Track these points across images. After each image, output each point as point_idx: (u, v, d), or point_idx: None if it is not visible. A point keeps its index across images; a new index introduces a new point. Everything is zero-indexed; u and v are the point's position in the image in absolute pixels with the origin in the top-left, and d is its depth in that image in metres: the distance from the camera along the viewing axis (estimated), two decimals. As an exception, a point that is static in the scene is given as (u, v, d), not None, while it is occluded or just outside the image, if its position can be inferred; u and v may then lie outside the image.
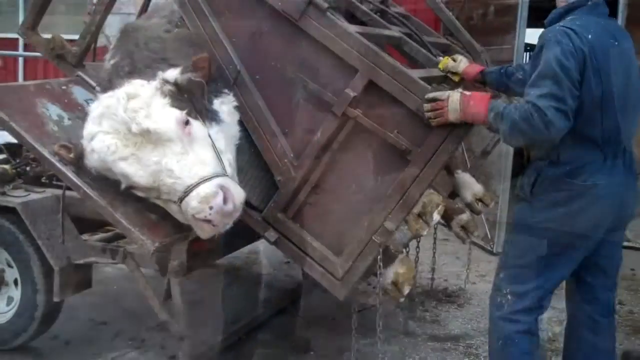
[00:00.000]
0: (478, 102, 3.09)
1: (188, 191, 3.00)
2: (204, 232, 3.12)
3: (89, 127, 3.14)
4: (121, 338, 4.64)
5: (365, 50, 3.33)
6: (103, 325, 4.85)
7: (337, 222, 3.55)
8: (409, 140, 3.35)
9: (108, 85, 3.36)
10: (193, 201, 2.99)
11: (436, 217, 3.48)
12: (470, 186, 4.93)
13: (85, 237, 3.94)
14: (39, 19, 4.05)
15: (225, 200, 2.99)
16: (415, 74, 3.45)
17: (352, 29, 3.50)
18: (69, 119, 3.58)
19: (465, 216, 4.84)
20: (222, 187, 3.01)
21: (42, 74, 11.25)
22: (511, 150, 6.85)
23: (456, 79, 3.82)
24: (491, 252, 6.89)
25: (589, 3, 3.12)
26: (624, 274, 5.24)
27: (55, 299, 3.95)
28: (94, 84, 3.82)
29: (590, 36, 2.94)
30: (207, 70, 3.21)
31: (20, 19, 11.23)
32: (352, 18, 4.13)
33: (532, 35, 17.11)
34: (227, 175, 3.13)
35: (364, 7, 4.15)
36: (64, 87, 3.70)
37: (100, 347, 4.48)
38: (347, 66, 3.38)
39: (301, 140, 3.54)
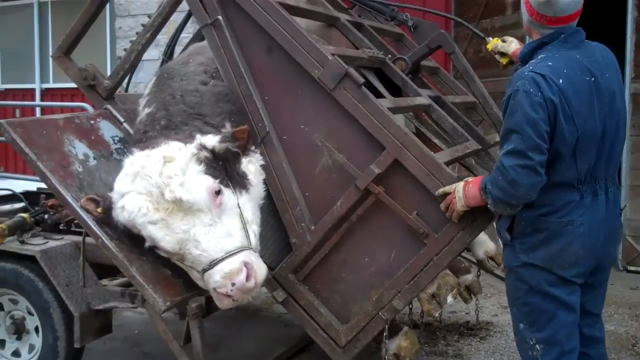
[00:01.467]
0: (473, 185, 3.11)
1: (213, 265, 3.07)
2: (223, 304, 3.21)
3: (122, 184, 3.17)
4: None
5: (395, 131, 3.38)
6: None
7: (346, 291, 3.63)
8: (428, 224, 3.41)
9: (142, 137, 3.42)
10: (216, 275, 3.07)
11: (450, 299, 3.56)
12: (484, 243, 4.98)
13: (104, 282, 3.99)
14: (75, 45, 4.11)
15: (248, 278, 3.08)
16: (442, 157, 3.46)
17: (385, 104, 3.51)
18: (94, 157, 3.64)
19: (470, 277, 4.90)
20: (246, 264, 3.09)
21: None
22: None
23: (504, 61, 3.80)
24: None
25: (562, 36, 2.98)
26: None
27: (76, 346, 4.03)
28: (122, 119, 3.89)
29: (561, 81, 2.85)
30: (245, 142, 3.27)
31: (37, 69, 11.86)
32: (385, 80, 4.13)
33: None
34: (252, 248, 3.19)
35: (398, 71, 4.14)
36: (92, 122, 3.75)
37: None
38: (375, 142, 3.44)
39: (320, 206, 3.60)
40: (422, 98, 4.14)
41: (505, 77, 7.25)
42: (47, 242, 4.10)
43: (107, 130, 3.82)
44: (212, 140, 3.22)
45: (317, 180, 3.60)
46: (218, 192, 3.14)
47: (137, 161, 3.18)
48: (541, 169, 2.85)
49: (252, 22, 3.62)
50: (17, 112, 11.77)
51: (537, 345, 3.09)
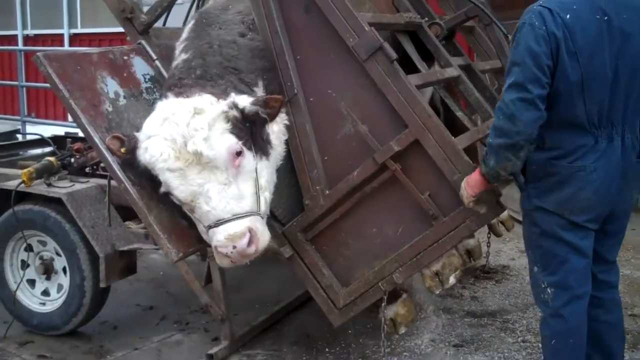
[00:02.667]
0: (473, 173, 3.27)
1: (219, 224, 3.17)
2: (221, 263, 3.35)
3: (151, 125, 3.24)
4: (166, 321, 4.99)
5: (419, 111, 3.47)
6: (149, 310, 5.22)
7: (350, 256, 3.80)
8: (438, 206, 3.55)
9: (177, 82, 3.44)
10: (220, 235, 3.17)
11: (452, 280, 3.71)
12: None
13: (129, 224, 4.15)
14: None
15: (249, 243, 3.19)
16: (462, 142, 3.61)
17: (414, 81, 3.57)
18: (124, 97, 3.71)
19: (472, 241, 5.07)
20: (250, 230, 3.19)
21: None
22: None
23: None
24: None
25: None
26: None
27: (102, 285, 4.30)
28: (154, 56, 3.97)
29: (568, 16, 2.87)
30: (276, 111, 3.33)
31: (65, 14, 11.99)
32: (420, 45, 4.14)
33: None
34: (260, 215, 3.31)
35: (432, 36, 4.16)
36: (125, 58, 3.82)
37: (147, 330, 4.84)
38: (399, 119, 3.53)
39: (337, 172, 3.72)
40: (452, 69, 4.20)
41: None
42: (73, 185, 4.27)
43: (140, 67, 3.89)
44: (244, 100, 3.27)
45: (337, 145, 3.69)
46: (239, 153, 3.22)
47: (169, 106, 3.25)
48: (541, 103, 2.88)
49: None
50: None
51: (548, 289, 3.20)
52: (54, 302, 4.62)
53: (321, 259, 3.84)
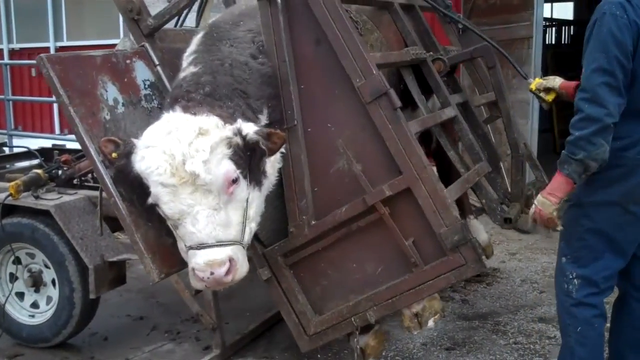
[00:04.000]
0: (552, 181, 3.35)
1: (201, 247, 3.23)
2: (194, 284, 3.42)
3: (152, 135, 3.27)
4: (157, 331, 5.14)
5: (415, 161, 3.61)
6: (140, 320, 5.36)
7: (327, 287, 3.98)
8: (421, 254, 3.72)
9: (184, 95, 3.49)
10: (199, 259, 3.23)
11: (431, 324, 3.85)
12: (478, 233, 5.34)
13: (118, 235, 4.22)
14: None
15: (227, 273, 3.26)
16: (452, 193, 3.81)
17: (413, 128, 3.67)
18: (122, 104, 3.76)
19: (484, 238, 5.31)
20: (230, 259, 3.26)
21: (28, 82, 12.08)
22: (536, 126, 7.51)
23: (550, 97, 3.91)
24: (521, 231, 7.33)
25: None
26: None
27: (92, 296, 4.39)
28: (156, 61, 4.02)
29: None
30: (277, 147, 3.41)
31: (50, 28, 12.34)
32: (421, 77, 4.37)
33: (549, 11, 16.88)
34: (242, 245, 3.38)
35: (435, 73, 4.34)
36: (127, 62, 3.87)
37: (138, 341, 4.98)
38: (394, 164, 3.67)
39: (325, 205, 3.86)
40: (450, 109, 4.35)
41: (514, 23, 7.53)
42: (61, 197, 4.36)
43: (141, 72, 3.95)
44: (249, 128, 3.32)
45: (329, 179, 3.83)
46: (234, 181, 3.27)
47: (174, 120, 3.29)
48: (624, 89, 3.09)
49: (308, 9, 3.71)
50: (32, 70, 12.23)
51: (575, 280, 3.42)
52: (44, 314, 4.74)
53: (298, 285, 4.00)
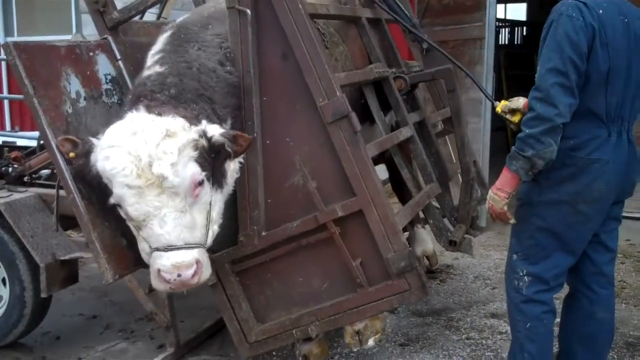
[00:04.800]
0: (500, 177, 3.47)
1: (168, 249, 3.27)
2: (158, 287, 3.47)
3: (116, 135, 3.25)
4: (111, 330, 5.18)
5: (370, 184, 3.74)
6: (93, 319, 5.39)
7: (272, 297, 4.11)
8: (367, 276, 3.87)
9: (148, 94, 3.50)
10: (167, 261, 3.27)
11: (371, 343, 4.00)
12: (424, 243, 5.64)
13: (70, 233, 4.21)
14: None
15: (193, 275, 3.32)
16: (403, 218, 4.00)
17: (370, 152, 3.79)
18: (84, 98, 3.79)
19: (430, 248, 5.72)
20: (197, 262, 3.33)
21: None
22: (489, 125, 7.67)
23: (516, 118, 3.89)
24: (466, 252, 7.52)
25: None
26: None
27: (43, 295, 4.39)
28: (118, 55, 4.03)
29: (601, 11, 3.23)
30: (242, 150, 3.46)
31: (0, 23, 11.87)
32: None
33: (502, 11, 17.46)
34: (205, 247, 3.45)
35: (395, 91, 4.53)
36: (90, 54, 3.90)
37: (91, 340, 5.00)
38: (348, 186, 3.79)
39: (277, 217, 3.96)
40: (407, 129, 4.49)
41: (467, 24, 7.73)
42: (10, 194, 4.38)
43: (103, 65, 3.99)
44: (214, 130, 3.35)
45: (283, 192, 3.93)
46: (200, 183, 3.32)
47: (139, 121, 3.29)
48: (577, 90, 3.22)
49: (277, 22, 3.78)
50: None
51: (525, 277, 3.57)
52: None
53: (243, 292, 4.12)
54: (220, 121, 3.62)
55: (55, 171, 3.95)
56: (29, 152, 5.16)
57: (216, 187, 3.48)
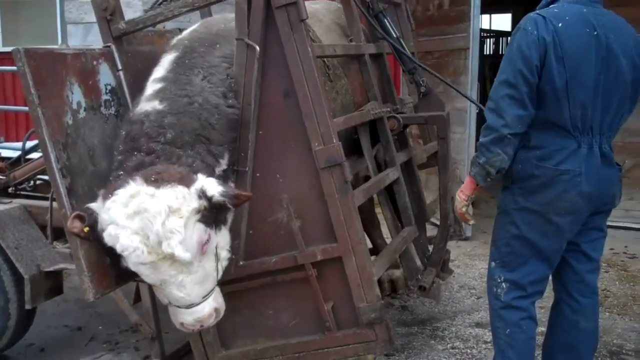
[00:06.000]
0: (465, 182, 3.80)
1: (189, 307, 3.50)
2: (179, 327, 3.68)
3: (119, 215, 3.30)
4: (96, 342, 5.32)
5: (353, 234, 3.95)
6: (77, 331, 5.53)
7: (239, 325, 4.30)
8: (336, 320, 4.09)
9: (144, 142, 3.58)
10: (189, 317, 3.54)
11: None
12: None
13: (55, 244, 4.33)
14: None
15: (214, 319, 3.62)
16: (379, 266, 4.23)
17: (359, 198, 4.06)
18: (84, 109, 3.82)
19: (398, 272, 5.83)
20: (216, 310, 3.61)
21: (11, 89, 12.01)
22: (473, 134, 7.82)
23: None
24: (460, 237, 7.78)
25: None
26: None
27: (28, 307, 4.49)
28: (119, 66, 4.09)
29: (560, 24, 3.39)
30: (241, 203, 3.59)
31: None
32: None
33: (487, 22, 17.94)
34: (217, 284, 3.67)
35: (387, 131, 4.72)
36: (94, 63, 3.97)
37: (76, 351, 5.14)
38: (331, 232, 3.98)
39: (257, 249, 4.13)
40: (394, 171, 4.68)
41: (452, 34, 7.93)
42: None
43: (105, 75, 4.07)
44: (213, 188, 3.42)
45: (265, 226, 4.11)
46: (207, 241, 3.46)
47: (139, 198, 3.31)
48: (528, 101, 3.41)
49: (284, 61, 3.90)
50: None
51: (503, 284, 3.76)
52: None
53: (211, 316, 4.19)
54: (217, 158, 3.75)
55: (39, 182, 4.02)
56: (12, 162, 5.24)
57: (219, 227, 3.61)
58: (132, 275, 3.79)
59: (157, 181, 3.35)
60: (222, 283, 4.08)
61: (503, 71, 3.44)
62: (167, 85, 3.82)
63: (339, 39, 5.01)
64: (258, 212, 4.04)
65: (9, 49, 11.94)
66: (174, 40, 4.24)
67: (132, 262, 3.34)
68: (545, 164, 3.48)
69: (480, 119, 4.01)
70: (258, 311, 4.18)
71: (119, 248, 3.31)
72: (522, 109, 3.39)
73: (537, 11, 3.50)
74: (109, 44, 4.11)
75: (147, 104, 3.76)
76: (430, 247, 5.21)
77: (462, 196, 3.77)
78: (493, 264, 3.84)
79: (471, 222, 3.92)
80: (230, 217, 3.76)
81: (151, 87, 3.87)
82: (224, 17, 4.43)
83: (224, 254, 3.70)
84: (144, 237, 3.26)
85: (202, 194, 3.38)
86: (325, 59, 4.46)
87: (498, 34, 17.15)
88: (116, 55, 4.11)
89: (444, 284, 6.38)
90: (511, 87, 3.38)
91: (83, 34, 10.29)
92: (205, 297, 3.54)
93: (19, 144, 5.49)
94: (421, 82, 5.08)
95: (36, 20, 12.00)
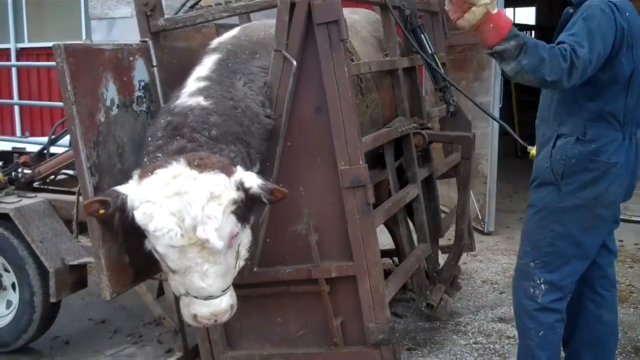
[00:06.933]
0: (502, 21, 3.27)
1: (208, 298, 3.46)
2: (191, 323, 3.69)
3: (156, 191, 3.29)
4: (119, 335, 5.47)
5: (370, 255, 4.05)
6: (101, 324, 5.69)
7: (247, 327, 4.41)
8: (344, 336, 4.20)
9: (187, 132, 3.59)
10: (205, 309, 3.48)
11: None
12: None
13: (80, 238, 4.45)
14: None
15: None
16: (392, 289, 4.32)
17: (379, 219, 4.17)
18: (117, 106, 3.85)
19: None
20: (231, 307, 3.59)
21: (36, 84, 12.23)
22: (496, 130, 8.01)
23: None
24: (482, 232, 8.08)
25: None
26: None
27: (52, 300, 4.66)
28: (154, 62, 4.15)
29: (628, 14, 3.45)
30: (277, 200, 3.55)
31: (11, 29, 12.53)
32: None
33: (511, 15, 18.07)
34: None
35: (412, 148, 4.85)
36: (131, 59, 4.05)
37: (100, 344, 5.29)
38: (349, 250, 4.13)
39: (272, 257, 4.27)
40: (415, 188, 4.78)
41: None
42: (20, 200, 4.61)
43: (139, 71, 4.15)
44: (252, 181, 3.45)
45: (283, 236, 4.27)
46: (236, 235, 3.48)
47: (181, 180, 3.32)
48: (591, 71, 3.29)
49: (319, 77, 4.01)
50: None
51: (542, 285, 3.72)
52: (3, 318, 5.00)
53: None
54: (252, 164, 3.83)
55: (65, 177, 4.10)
56: (34, 156, 5.37)
57: (245, 225, 3.59)
58: (149, 273, 3.94)
59: (200, 166, 3.36)
60: (235, 286, 4.24)
61: (579, 36, 3.26)
62: (212, 84, 3.88)
63: (375, 52, 5.14)
64: (278, 221, 4.19)
65: (34, 44, 12.75)
66: (215, 43, 4.33)
67: (162, 243, 3.30)
68: (600, 158, 3.51)
69: (503, 113, 3.95)
70: (267, 317, 4.36)
71: (151, 227, 3.28)
72: (586, 75, 3.27)
73: None
74: (146, 39, 4.20)
75: (191, 98, 3.80)
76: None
77: (491, 18, 3.25)
78: (532, 264, 3.75)
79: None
80: (253, 218, 3.78)
81: (195, 84, 3.92)
82: (265, 24, 4.54)
83: (243, 253, 3.75)
84: (179, 220, 3.24)
85: (241, 186, 3.40)
86: (360, 75, 4.55)
87: (522, 28, 17.04)
88: (152, 51, 4.20)
89: (467, 278, 6.56)
90: (588, 51, 3.21)
91: (107, 30, 10.57)
92: (224, 292, 3.52)
93: (45, 139, 5.54)
94: (451, 102, 5.14)
95: (61, 16, 12.40)
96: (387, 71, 4.93)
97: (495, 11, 3.27)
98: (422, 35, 5.04)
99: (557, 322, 3.76)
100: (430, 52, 5.06)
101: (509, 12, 16.16)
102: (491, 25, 3.25)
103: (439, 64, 5.14)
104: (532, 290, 3.75)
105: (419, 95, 5.28)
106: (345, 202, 4.01)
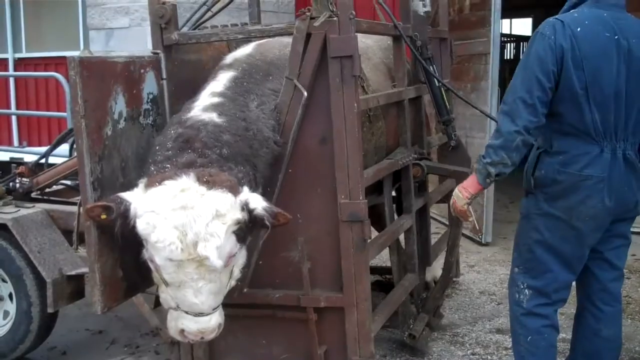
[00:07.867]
0: (469, 184, 3.79)
1: (198, 315, 3.52)
2: (175, 336, 3.71)
3: (162, 205, 3.35)
4: (116, 345, 5.54)
5: (361, 289, 4.19)
6: (98, 334, 5.76)
7: (231, 346, 4.56)
8: None
9: (199, 147, 3.63)
10: (193, 325, 3.54)
11: None
12: (433, 269, 5.92)
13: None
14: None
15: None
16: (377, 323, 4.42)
17: (373, 252, 4.33)
18: (124, 119, 3.93)
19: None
20: (219, 325, 3.64)
21: (34, 94, 12.28)
22: None
23: None
24: (480, 243, 8.23)
25: None
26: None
27: (50, 311, 4.72)
28: (164, 75, 4.21)
29: (579, 29, 3.51)
30: (279, 225, 3.59)
31: (9, 39, 12.59)
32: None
33: (508, 26, 18.42)
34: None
35: (410, 178, 4.96)
36: (142, 71, 4.12)
37: (97, 355, 5.36)
38: (340, 281, 4.25)
39: (263, 280, 4.36)
40: (409, 219, 4.85)
41: (472, 39, 8.36)
42: (18, 210, 4.67)
43: (149, 83, 4.23)
44: (256, 202, 3.53)
45: (275, 260, 4.41)
46: (234, 255, 3.55)
47: (189, 194, 3.38)
48: (540, 108, 3.50)
49: (327, 109, 4.11)
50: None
51: (526, 290, 3.85)
52: (0, 329, 5.04)
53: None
54: (257, 187, 3.91)
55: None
56: (32, 166, 5.40)
57: (242, 245, 3.63)
58: (140, 287, 4.01)
59: (209, 182, 3.43)
60: (224, 305, 4.33)
61: (517, 75, 3.56)
62: (226, 101, 3.98)
63: (385, 79, 5.27)
64: (271, 245, 4.24)
65: (32, 54, 12.88)
66: (230, 59, 4.43)
67: (161, 255, 3.36)
68: (568, 169, 3.58)
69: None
70: (252, 338, 4.50)
71: (153, 238, 3.34)
72: (533, 115, 3.49)
73: (557, 16, 3.60)
74: (158, 51, 4.26)
75: (204, 113, 3.87)
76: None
77: (465, 193, 3.80)
78: (516, 269, 3.92)
79: (471, 219, 3.93)
80: (249, 239, 3.85)
81: (208, 99, 4.01)
82: (280, 42, 4.62)
83: (237, 273, 3.71)
84: (181, 234, 3.30)
85: (245, 206, 3.47)
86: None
87: (519, 39, 17.40)
88: (163, 64, 4.29)
89: (465, 289, 6.63)
90: (525, 92, 3.47)
91: (105, 40, 10.67)
92: (214, 310, 3.59)
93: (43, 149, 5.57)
94: (453, 137, 5.24)
95: (58, 26, 12.51)
96: (395, 102, 5.03)
97: (466, 194, 3.76)
98: (432, 67, 5.14)
99: (545, 328, 3.82)
100: (437, 84, 5.16)
101: (505, 23, 16.31)
102: (465, 180, 3.83)
103: (445, 98, 5.27)
104: (517, 296, 3.88)
105: (422, 125, 5.40)
106: (341, 236, 4.14)
